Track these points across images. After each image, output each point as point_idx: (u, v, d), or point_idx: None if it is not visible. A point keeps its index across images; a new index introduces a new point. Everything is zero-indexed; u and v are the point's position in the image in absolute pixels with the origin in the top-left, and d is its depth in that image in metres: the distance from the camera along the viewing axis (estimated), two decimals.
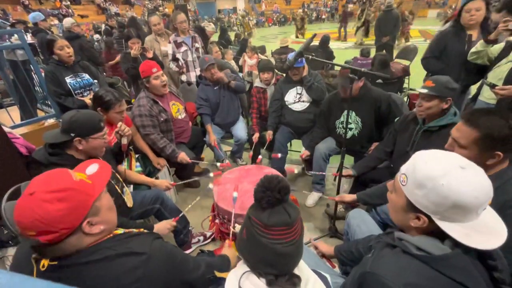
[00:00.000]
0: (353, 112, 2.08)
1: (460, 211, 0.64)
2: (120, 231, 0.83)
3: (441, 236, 0.68)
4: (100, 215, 0.76)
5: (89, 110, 1.50)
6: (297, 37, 13.38)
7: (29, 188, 0.67)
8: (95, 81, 2.51)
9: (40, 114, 3.34)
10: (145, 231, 0.89)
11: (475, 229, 0.65)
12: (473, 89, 2.28)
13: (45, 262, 0.70)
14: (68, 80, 2.32)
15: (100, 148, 1.37)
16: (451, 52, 2.26)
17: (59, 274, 0.71)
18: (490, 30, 2.12)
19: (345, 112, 2.05)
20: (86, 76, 2.45)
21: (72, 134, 1.25)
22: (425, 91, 1.47)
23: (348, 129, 2.10)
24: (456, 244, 0.66)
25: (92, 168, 0.83)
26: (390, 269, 0.68)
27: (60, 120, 2.76)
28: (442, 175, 0.64)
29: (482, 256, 0.68)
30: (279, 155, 2.17)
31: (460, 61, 2.22)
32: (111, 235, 0.80)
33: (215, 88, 2.63)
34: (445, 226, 0.65)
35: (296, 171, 1.90)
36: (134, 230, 0.86)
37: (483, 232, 0.65)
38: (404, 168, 0.73)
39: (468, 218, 0.65)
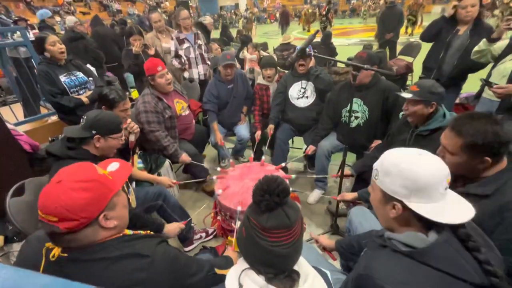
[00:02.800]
0: (361, 101, 2.07)
1: (424, 190, 0.71)
2: (129, 232, 0.85)
3: (425, 228, 0.73)
4: (116, 210, 0.79)
5: (111, 112, 1.58)
6: (304, 29, 13.59)
7: (57, 177, 0.72)
8: (90, 78, 2.50)
9: (43, 111, 3.35)
10: (151, 233, 0.91)
11: (444, 207, 0.71)
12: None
13: (56, 252, 0.72)
14: (63, 78, 2.30)
15: (115, 147, 1.45)
16: (438, 39, 2.47)
17: (65, 269, 0.73)
18: (482, 25, 2.26)
19: (353, 100, 2.05)
20: (80, 74, 2.43)
21: (94, 132, 1.33)
22: (409, 96, 1.48)
23: (354, 118, 2.11)
24: (438, 234, 0.70)
25: (113, 166, 0.87)
26: (383, 270, 0.70)
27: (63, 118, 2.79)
28: (402, 160, 0.75)
29: (461, 240, 0.70)
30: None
31: (439, 50, 2.42)
32: (121, 234, 0.82)
33: (229, 86, 2.62)
34: (415, 207, 0.72)
35: (293, 177, 1.87)
36: (142, 232, 0.88)
37: (451, 209, 0.71)
38: (375, 164, 0.84)
39: (433, 197, 0.72)
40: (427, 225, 0.72)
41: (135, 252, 0.78)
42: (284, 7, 12.62)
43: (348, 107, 2.08)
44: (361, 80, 1.99)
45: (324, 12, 9.60)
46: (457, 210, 0.71)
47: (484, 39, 1.97)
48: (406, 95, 1.50)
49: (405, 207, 0.73)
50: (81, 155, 1.33)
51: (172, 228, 1.51)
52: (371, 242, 0.86)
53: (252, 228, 0.69)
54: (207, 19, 4.48)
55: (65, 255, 0.73)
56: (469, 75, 2.45)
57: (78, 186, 0.70)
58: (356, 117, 2.11)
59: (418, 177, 0.71)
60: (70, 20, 4.41)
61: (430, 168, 0.72)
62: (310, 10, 14.66)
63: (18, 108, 3.24)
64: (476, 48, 2.05)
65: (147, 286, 0.77)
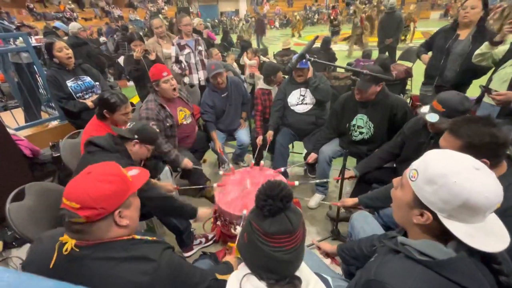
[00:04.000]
0: (366, 117, 2.01)
1: (468, 211, 0.63)
2: (138, 237, 0.87)
3: (444, 239, 0.67)
4: (130, 210, 0.85)
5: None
6: (293, 35, 14.00)
7: (87, 169, 0.82)
8: (97, 83, 2.52)
9: (44, 116, 3.36)
10: (158, 239, 0.93)
11: (480, 231, 0.64)
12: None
13: (69, 246, 0.75)
14: (69, 83, 2.33)
15: (143, 156, 1.66)
16: (435, 47, 2.46)
17: (73, 265, 0.76)
18: (486, 30, 2.20)
19: (358, 115, 2.02)
20: (88, 78, 2.46)
21: (136, 136, 1.56)
22: (435, 119, 1.36)
23: (358, 133, 2.07)
24: (459, 247, 0.65)
25: (133, 172, 0.97)
26: (394, 276, 0.67)
27: (65, 122, 2.81)
28: (455, 172, 0.63)
29: (486, 260, 0.67)
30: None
31: (439, 57, 2.40)
32: (130, 237, 0.85)
33: (222, 95, 2.61)
34: (450, 225, 0.64)
35: (296, 184, 1.83)
36: (149, 238, 0.90)
37: (487, 234, 0.64)
38: (415, 164, 0.72)
39: (475, 219, 0.64)
40: (450, 237, 0.65)
41: (141, 255, 0.80)
42: (259, 14, 12.03)
43: (354, 122, 2.06)
44: (367, 97, 1.91)
45: (336, 16, 9.70)
46: (493, 235, 0.64)
47: (487, 42, 1.96)
48: (432, 117, 1.38)
49: (435, 218, 0.66)
50: (123, 152, 1.53)
51: (204, 213, 1.66)
52: (381, 247, 0.82)
53: (254, 233, 0.69)
54: (195, 21, 4.67)
55: (77, 250, 0.76)
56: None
57: (105, 178, 0.78)
58: (361, 132, 2.07)
59: (470, 197, 0.61)
60: (74, 26, 4.44)
61: (486, 189, 0.61)
62: (299, 18, 15.20)
63: (19, 113, 3.25)
64: (478, 51, 2.02)
65: None
